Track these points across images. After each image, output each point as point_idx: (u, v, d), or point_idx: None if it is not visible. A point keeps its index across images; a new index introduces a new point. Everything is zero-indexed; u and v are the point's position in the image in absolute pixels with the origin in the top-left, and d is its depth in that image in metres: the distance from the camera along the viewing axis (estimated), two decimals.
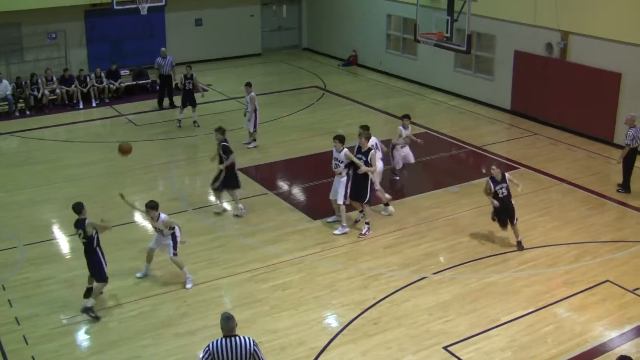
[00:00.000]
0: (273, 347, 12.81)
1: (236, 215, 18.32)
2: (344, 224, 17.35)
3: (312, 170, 21.48)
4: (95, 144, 24.01)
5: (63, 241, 17.23)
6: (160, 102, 27.80)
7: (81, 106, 28.10)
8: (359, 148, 17.16)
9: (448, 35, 23.00)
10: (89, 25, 31.66)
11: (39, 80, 27.55)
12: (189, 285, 14.90)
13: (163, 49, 27.88)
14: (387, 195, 18.40)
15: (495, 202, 16.05)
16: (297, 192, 20.29)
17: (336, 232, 17.34)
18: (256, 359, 9.54)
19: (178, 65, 27.88)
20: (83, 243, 13.89)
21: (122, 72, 29.86)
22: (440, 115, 26.78)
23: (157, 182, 20.46)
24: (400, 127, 19.92)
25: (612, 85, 22.59)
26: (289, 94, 29.62)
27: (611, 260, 15.93)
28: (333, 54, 35.97)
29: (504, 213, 16.22)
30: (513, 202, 16.30)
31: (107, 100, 28.72)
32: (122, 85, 29.42)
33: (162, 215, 14.77)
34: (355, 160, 16.86)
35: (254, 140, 23.20)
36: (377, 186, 17.83)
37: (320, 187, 20.18)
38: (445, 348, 12.86)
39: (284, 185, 20.73)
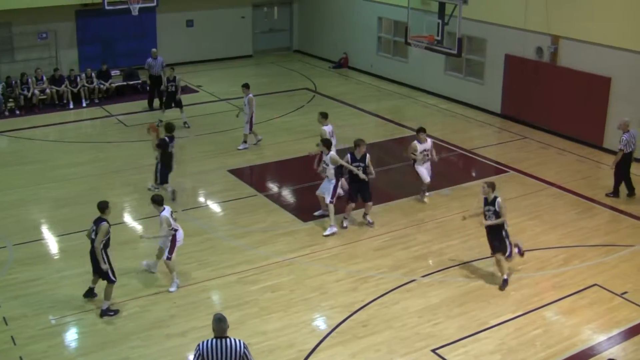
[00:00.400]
0: (262, 349, 12.81)
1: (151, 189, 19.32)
2: (333, 224, 17.43)
3: (303, 172, 21.43)
4: (85, 144, 23.96)
5: (52, 242, 17.18)
6: (150, 103, 27.74)
7: (71, 106, 28.03)
8: (353, 155, 17.26)
9: (439, 38, 23.07)
10: (79, 26, 31.59)
11: (29, 80, 27.50)
12: (172, 289, 14.85)
13: (154, 49, 27.85)
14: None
15: (484, 221, 15.01)
16: (288, 194, 20.30)
17: (325, 233, 17.40)
18: None
19: (169, 65, 27.86)
20: (92, 240, 13.83)
21: (113, 73, 29.81)
22: (430, 118, 26.81)
23: (147, 182, 20.40)
24: (415, 142, 18.72)
25: (602, 89, 22.67)
26: (280, 95, 29.62)
27: (600, 264, 15.99)
28: (324, 56, 36.00)
29: (493, 237, 15.11)
30: (506, 230, 14.98)
31: (97, 101, 28.66)
32: (113, 85, 29.38)
33: (164, 212, 14.73)
34: (343, 163, 17.19)
35: (245, 142, 23.19)
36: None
37: (310, 189, 20.15)
38: (434, 351, 12.88)
39: (274, 187, 20.74)
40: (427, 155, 18.80)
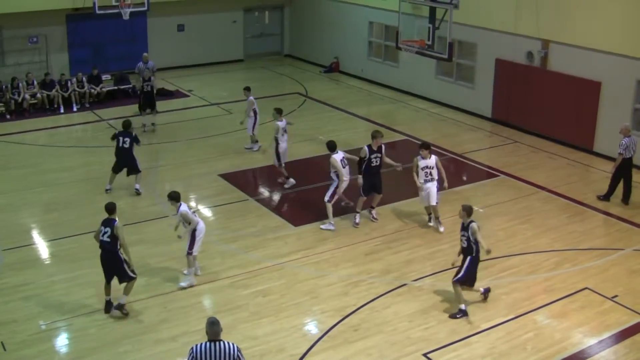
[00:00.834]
0: (253, 354, 12.78)
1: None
2: (331, 222, 17.73)
3: (294, 177, 21.46)
4: (76, 148, 23.91)
5: (42, 246, 17.12)
6: (141, 107, 27.68)
7: (62, 111, 27.98)
8: (370, 147, 17.67)
9: (430, 42, 23.07)
10: (70, 30, 31.52)
11: (20, 85, 27.46)
12: (183, 283, 15.05)
13: (145, 54, 27.78)
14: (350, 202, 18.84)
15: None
16: (278, 198, 20.28)
17: (322, 226, 17.80)
18: None
19: (160, 70, 27.87)
20: (103, 242, 13.78)
21: (104, 77, 29.76)
22: (421, 122, 26.86)
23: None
24: (417, 158, 17.57)
25: (592, 93, 22.74)
26: (271, 100, 29.58)
27: (590, 268, 16.02)
28: (315, 61, 36.01)
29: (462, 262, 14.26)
30: (474, 258, 14.08)
31: (88, 105, 28.61)
32: (104, 89, 29.33)
33: (181, 208, 14.81)
34: (338, 165, 17.46)
35: (257, 141, 23.39)
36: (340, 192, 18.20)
37: (301, 194, 20.22)
38: (425, 355, 12.88)
39: (265, 191, 20.71)
40: (429, 173, 17.42)
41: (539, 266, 16.11)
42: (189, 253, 14.94)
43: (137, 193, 19.73)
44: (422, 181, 17.42)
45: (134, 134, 19.66)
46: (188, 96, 30.14)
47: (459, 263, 14.29)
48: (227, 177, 21.06)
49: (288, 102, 29.25)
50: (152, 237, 17.06)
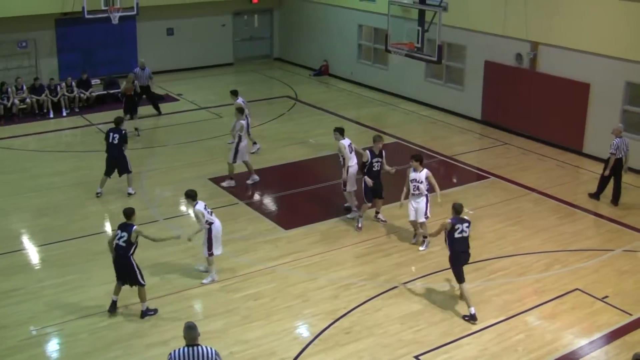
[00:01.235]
0: (244, 357, 12.78)
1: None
2: (355, 208, 18.71)
3: (284, 180, 21.48)
4: (65, 153, 23.85)
5: (33, 251, 17.06)
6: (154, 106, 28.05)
7: (51, 115, 27.90)
8: (372, 151, 17.69)
9: (419, 45, 23.09)
10: (59, 34, 31.45)
11: (9, 89, 27.35)
12: (205, 281, 15.34)
13: (142, 60, 27.78)
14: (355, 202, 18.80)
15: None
16: (269, 202, 20.27)
17: (349, 215, 18.80)
18: None
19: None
20: (118, 247, 13.79)
21: (93, 82, 29.68)
22: (411, 125, 26.89)
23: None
24: (409, 170, 16.79)
25: (581, 95, 22.82)
26: (261, 103, 29.58)
27: (581, 269, 16.06)
28: (304, 64, 36.02)
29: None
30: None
31: (77, 110, 28.53)
32: (93, 94, 29.25)
33: (197, 206, 15.07)
34: (345, 151, 18.21)
35: (254, 143, 23.45)
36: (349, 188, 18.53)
37: (292, 197, 20.21)
38: (416, 357, 12.89)
39: (255, 195, 20.68)
40: (416, 187, 16.63)
41: (529, 268, 16.14)
42: (210, 254, 15.19)
43: (129, 195, 19.79)
44: (411, 194, 16.78)
45: (123, 131, 19.65)
46: (178, 100, 30.09)
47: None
48: (217, 181, 21.02)
49: (278, 106, 29.29)
50: (141, 242, 16.92)
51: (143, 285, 14.05)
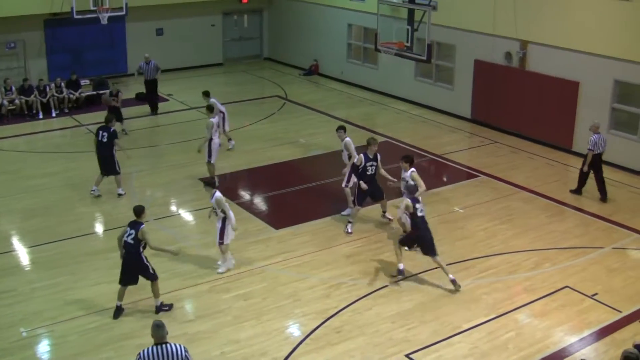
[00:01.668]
0: (236, 358, 12.78)
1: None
2: (351, 206, 18.28)
3: (274, 180, 21.48)
4: (55, 154, 23.78)
5: (23, 253, 17.01)
6: (153, 108, 28.10)
7: (41, 116, 27.83)
8: (367, 155, 17.53)
9: (408, 44, 23.14)
10: (48, 35, 31.38)
11: None
12: (220, 270, 15.69)
13: (146, 54, 27.86)
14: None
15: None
16: (259, 202, 20.27)
17: (343, 212, 18.68)
18: None
19: (141, 75, 27.81)
20: (127, 243, 13.81)
21: (82, 82, 29.61)
22: (401, 124, 26.92)
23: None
24: (402, 171, 17.06)
25: (571, 93, 22.90)
26: (251, 103, 29.60)
27: (570, 267, 16.12)
28: (294, 64, 36.03)
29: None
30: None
31: (67, 110, 28.47)
32: (82, 95, 29.20)
33: (216, 195, 15.32)
34: (352, 148, 18.37)
35: (229, 140, 23.69)
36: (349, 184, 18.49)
37: (282, 197, 20.22)
38: (407, 356, 12.91)
39: (245, 195, 20.69)
40: (404, 186, 16.81)
41: (519, 266, 16.19)
42: (220, 243, 15.44)
43: (119, 196, 19.82)
44: (403, 192, 17.02)
45: (112, 129, 19.63)
46: (167, 100, 30.05)
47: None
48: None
49: (268, 105, 29.29)
50: None
51: (156, 280, 14.07)
